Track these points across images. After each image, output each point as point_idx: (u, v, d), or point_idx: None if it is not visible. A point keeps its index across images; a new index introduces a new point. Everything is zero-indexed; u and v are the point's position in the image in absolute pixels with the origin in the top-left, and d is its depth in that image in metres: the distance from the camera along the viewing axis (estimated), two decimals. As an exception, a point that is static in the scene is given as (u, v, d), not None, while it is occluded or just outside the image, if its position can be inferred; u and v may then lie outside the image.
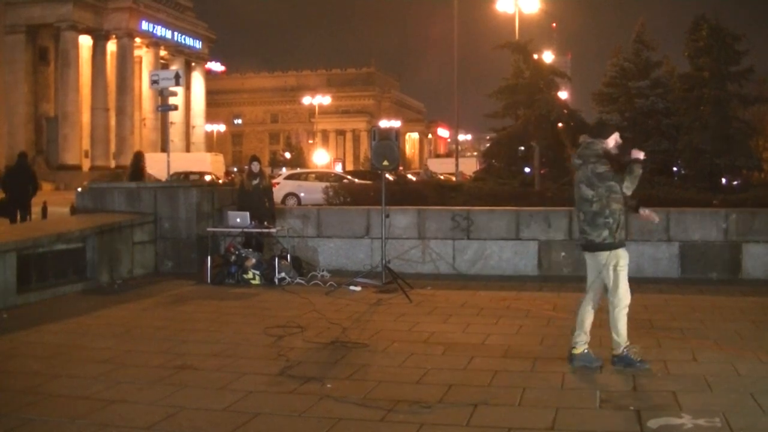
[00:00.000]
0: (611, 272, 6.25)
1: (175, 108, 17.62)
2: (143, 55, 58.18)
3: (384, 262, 10.81)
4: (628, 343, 6.28)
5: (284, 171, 45.57)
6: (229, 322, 8.44)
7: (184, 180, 26.64)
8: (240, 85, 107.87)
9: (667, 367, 6.25)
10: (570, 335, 6.45)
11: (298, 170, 40.01)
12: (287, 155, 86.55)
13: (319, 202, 17.50)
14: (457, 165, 35.96)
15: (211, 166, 44.39)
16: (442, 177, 33.17)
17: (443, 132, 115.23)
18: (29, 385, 5.91)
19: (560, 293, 10.03)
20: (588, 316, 6.39)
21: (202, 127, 66.88)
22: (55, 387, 5.89)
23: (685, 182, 23.10)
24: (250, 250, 11.62)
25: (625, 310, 6.32)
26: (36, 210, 16.86)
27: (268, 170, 32.74)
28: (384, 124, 78.40)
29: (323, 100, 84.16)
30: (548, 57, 41.56)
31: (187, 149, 58.42)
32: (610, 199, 6.22)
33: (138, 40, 56.83)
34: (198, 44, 64.53)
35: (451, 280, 11.37)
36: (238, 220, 11.69)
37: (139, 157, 19.20)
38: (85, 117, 54.28)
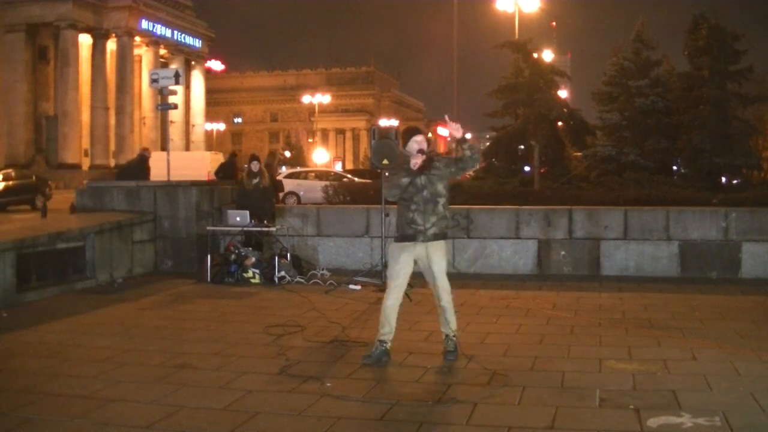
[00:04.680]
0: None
1: (175, 107, 17.58)
2: (143, 53, 58.11)
3: (384, 260, 10.80)
4: (383, 334, 6.48)
5: (284, 170, 45.50)
6: (229, 321, 8.44)
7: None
8: (240, 83, 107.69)
9: (667, 366, 6.25)
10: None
11: (298, 169, 39.94)
12: (287, 154, 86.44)
13: (319, 201, 17.47)
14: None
15: (210, 165, 44.32)
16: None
17: (443, 131, 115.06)
18: (29, 384, 5.91)
19: (560, 292, 10.03)
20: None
21: (201, 125, 66.77)
22: (54, 386, 5.89)
23: (685, 181, 23.04)
24: (250, 248, 11.62)
25: (387, 301, 6.55)
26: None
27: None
28: (384, 122, 78.49)
29: (323, 99, 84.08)
30: (548, 56, 41.51)
31: (187, 148, 58.32)
32: (397, 200, 6.67)
33: (138, 38, 56.74)
34: (198, 43, 64.40)
35: (451, 279, 11.23)
36: (238, 218, 11.68)
37: (274, 155, 19.27)
38: (85, 116, 54.18)
